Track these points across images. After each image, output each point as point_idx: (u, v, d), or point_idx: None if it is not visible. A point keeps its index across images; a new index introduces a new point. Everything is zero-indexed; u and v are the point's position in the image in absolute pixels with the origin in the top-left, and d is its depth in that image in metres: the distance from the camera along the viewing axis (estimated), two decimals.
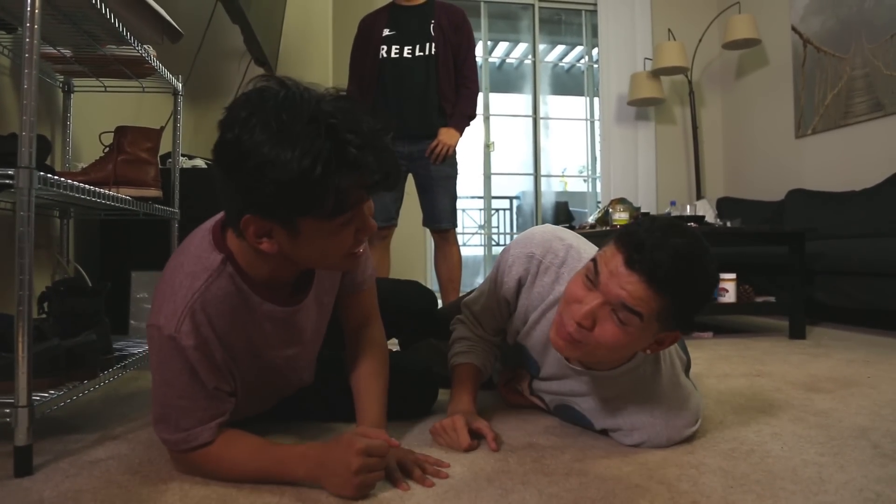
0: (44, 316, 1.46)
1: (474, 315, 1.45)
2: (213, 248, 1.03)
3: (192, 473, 1.06)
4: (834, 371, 2.07)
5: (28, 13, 1.06)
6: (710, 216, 3.34)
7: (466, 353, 1.43)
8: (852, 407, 1.58)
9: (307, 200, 0.89)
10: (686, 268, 1.02)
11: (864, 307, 3.01)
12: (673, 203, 3.57)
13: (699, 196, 5.10)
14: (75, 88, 2.01)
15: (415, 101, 2.90)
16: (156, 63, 1.76)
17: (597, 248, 1.32)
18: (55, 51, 1.70)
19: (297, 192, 0.87)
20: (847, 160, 4.20)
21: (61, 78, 1.98)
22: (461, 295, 1.87)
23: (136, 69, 1.82)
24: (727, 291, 2.89)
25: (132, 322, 2.00)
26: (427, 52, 2.90)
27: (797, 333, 2.86)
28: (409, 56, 2.91)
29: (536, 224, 5.40)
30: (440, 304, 2.83)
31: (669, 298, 1.03)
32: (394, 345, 1.73)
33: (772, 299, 3.00)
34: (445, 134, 2.89)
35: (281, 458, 1.02)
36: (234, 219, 0.96)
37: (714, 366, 2.18)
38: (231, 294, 1.02)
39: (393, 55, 2.91)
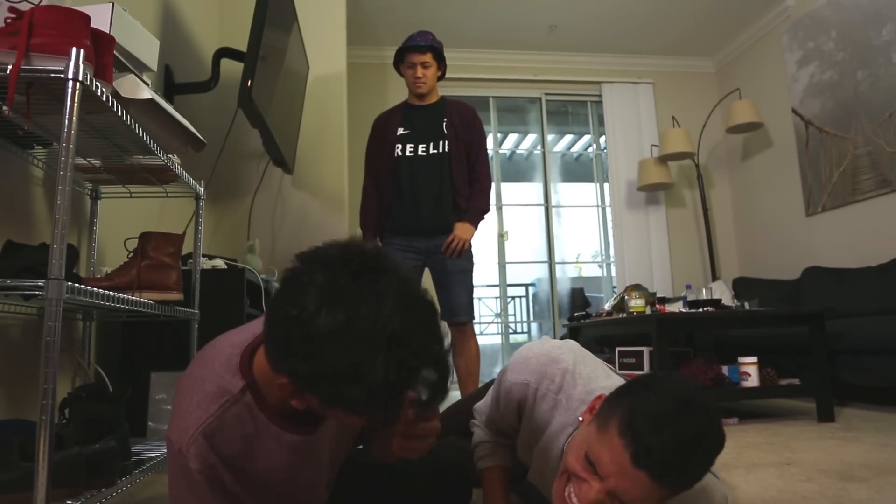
0: (64, 421, 1.47)
1: (485, 424, 1.45)
2: (236, 372, 1.00)
3: None
4: (868, 457, 2.00)
5: (65, 134, 1.13)
6: (727, 298, 3.32)
7: (490, 456, 1.41)
8: (890, 497, 1.52)
9: (352, 406, 0.86)
10: (695, 459, 0.98)
11: (892, 386, 2.93)
12: (688, 287, 3.57)
13: (714, 277, 5.09)
14: (102, 195, 2.10)
15: (430, 197, 2.98)
16: (179, 170, 1.84)
17: (600, 363, 1.31)
18: (85, 162, 1.79)
19: (352, 400, 0.84)
20: (860, 236, 4.21)
21: (89, 186, 2.06)
22: (479, 387, 1.85)
23: (161, 176, 1.90)
24: (749, 375, 2.83)
25: (150, 424, 1.99)
26: (441, 150, 3.01)
27: (825, 416, 2.78)
28: (424, 154, 3.01)
29: (553, 310, 5.40)
30: (458, 395, 2.80)
31: (675, 487, 1.00)
32: None
33: (796, 381, 2.94)
34: (460, 228, 2.95)
35: None
36: (274, 368, 0.91)
37: (741, 454, 2.11)
38: (245, 422, 1.00)
39: (408, 153, 3.02)
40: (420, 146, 3.02)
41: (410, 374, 0.84)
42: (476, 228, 3.01)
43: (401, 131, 3.05)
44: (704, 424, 0.97)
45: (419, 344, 0.85)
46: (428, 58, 3.02)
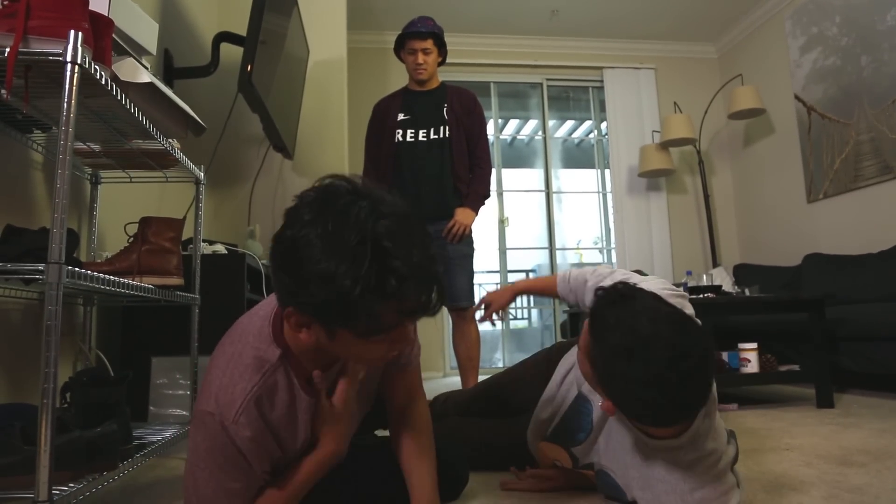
0: (66, 405, 1.47)
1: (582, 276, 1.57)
2: (271, 342, 1.05)
3: None
4: (866, 442, 2.01)
5: (64, 117, 1.12)
6: (728, 284, 3.32)
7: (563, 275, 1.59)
8: (889, 482, 1.53)
9: (343, 317, 0.90)
10: (622, 348, 1.06)
11: (891, 372, 2.94)
12: (689, 273, 3.57)
13: (715, 264, 5.09)
14: (102, 180, 2.09)
15: (430, 183, 2.97)
16: (179, 155, 1.84)
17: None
18: (85, 146, 1.78)
19: (334, 307, 0.88)
20: (861, 223, 4.20)
21: (89, 170, 2.06)
22: (479, 382, 1.85)
23: (161, 161, 1.90)
24: (749, 362, 2.84)
25: (151, 408, 2.00)
26: (441, 136, 3.00)
27: (825, 402, 2.79)
28: (424, 139, 3.01)
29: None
30: (458, 381, 2.81)
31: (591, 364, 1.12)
32: None
33: (796, 368, 2.95)
34: (461, 214, 2.95)
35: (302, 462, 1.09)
36: (280, 303, 0.99)
37: (741, 440, 2.11)
38: (283, 388, 1.05)
39: (408, 139, 3.01)
40: (420, 132, 3.01)
41: (394, 279, 0.86)
42: (477, 214, 3.01)
43: (401, 117, 3.04)
44: (669, 336, 1.05)
45: (401, 251, 0.87)
46: (429, 44, 3.00)
